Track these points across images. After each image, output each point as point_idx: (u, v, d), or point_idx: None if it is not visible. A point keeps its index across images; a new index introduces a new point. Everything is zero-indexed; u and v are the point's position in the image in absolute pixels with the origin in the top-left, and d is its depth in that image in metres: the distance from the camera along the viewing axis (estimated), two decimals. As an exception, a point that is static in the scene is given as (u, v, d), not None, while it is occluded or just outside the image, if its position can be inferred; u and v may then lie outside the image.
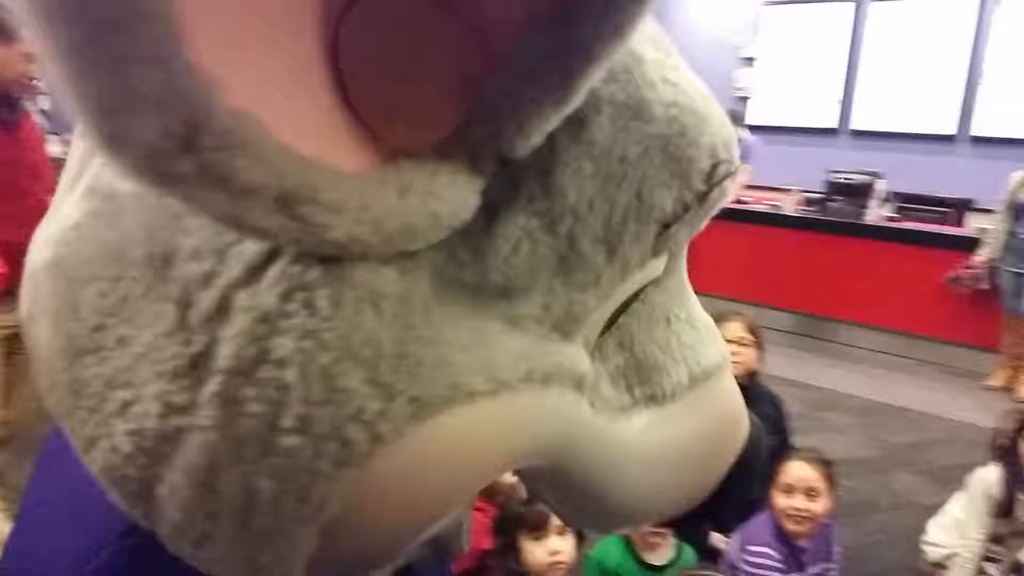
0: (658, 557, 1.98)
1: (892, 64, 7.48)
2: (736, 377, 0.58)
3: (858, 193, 6.05)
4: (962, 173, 7.07)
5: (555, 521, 1.70)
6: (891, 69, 7.48)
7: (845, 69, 7.70)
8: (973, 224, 6.00)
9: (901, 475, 3.68)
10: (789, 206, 6.34)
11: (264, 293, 0.33)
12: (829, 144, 7.78)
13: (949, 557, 2.55)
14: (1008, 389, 4.93)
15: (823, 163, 6.92)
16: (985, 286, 5.11)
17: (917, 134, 7.42)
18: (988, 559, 2.53)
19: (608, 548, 1.99)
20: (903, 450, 4.03)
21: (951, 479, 3.36)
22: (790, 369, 4.78)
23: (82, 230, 0.40)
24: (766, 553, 2.02)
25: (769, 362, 4.17)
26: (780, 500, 2.07)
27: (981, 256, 5.05)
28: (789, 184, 6.87)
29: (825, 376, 4.99)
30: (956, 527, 2.60)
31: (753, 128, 7.09)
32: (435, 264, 0.36)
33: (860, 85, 7.67)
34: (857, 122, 7.74)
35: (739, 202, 6.22)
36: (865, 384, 4.93)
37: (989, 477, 2.49)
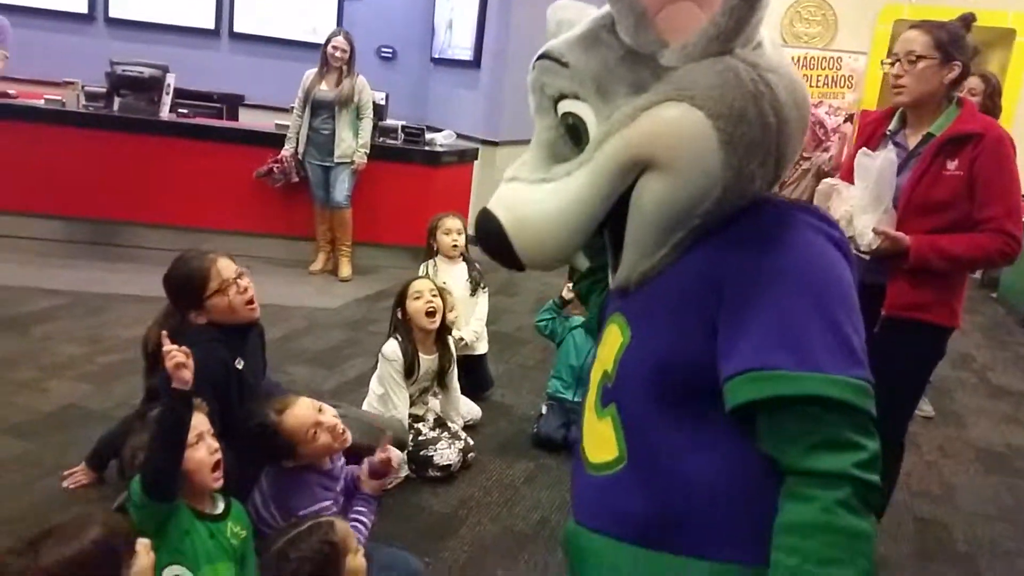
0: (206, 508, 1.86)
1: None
2: None
3: (147, 87, 5.53)
4: (221, 68, 7.36)
5: None
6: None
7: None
8: (245, 120, 6.48)
9: (296, 368, 3.73)
10: (73, 101, 5.51)
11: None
12: (81, 32, 7.27)
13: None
14: (329, 271, 5.60)
15: (73, 52, 6.71)
16: (295, 179, 5.48)
17: (178, 27, 7.38)
18: (415, 419, 2.96)
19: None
20: (280, 344, 4.02)
21: (333, 361, 3.88)
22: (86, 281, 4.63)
23: None
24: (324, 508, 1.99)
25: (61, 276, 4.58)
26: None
27: (287, 151, 5.42)
28: (41, 75, 6.31)
29: (127, 283, 4.60)
30: (381, 402, 2.91)
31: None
32: None
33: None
34: (115, 10, 7.29)
35: (4, 96, 5.53)
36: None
37: (391, 349, 2.85)
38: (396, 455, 2.25)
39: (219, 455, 1.83)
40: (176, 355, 1.69)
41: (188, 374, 1.70)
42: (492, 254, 1.01)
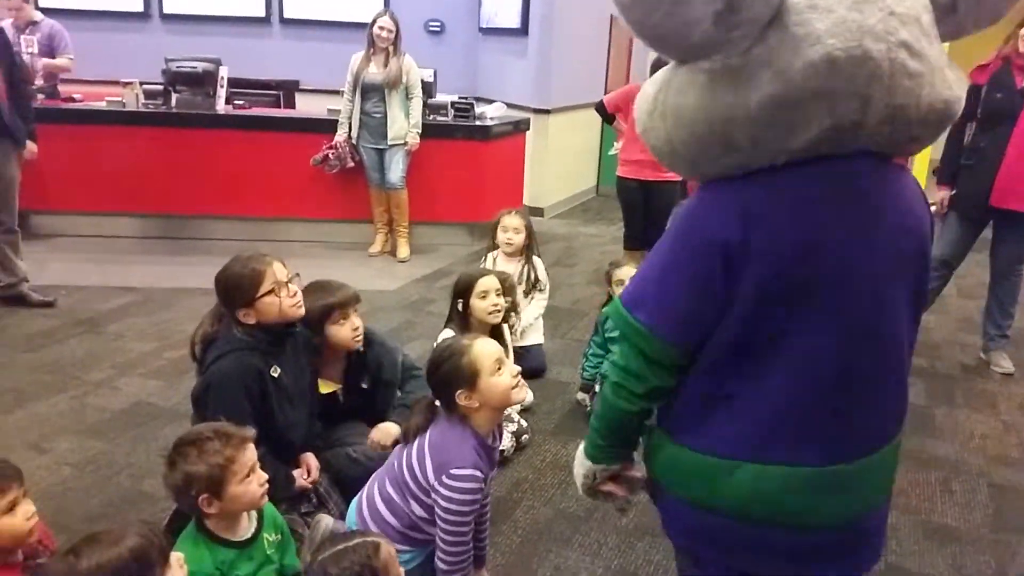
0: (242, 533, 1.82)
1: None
2: None
3: (202, 81, 5.63)
4: (275, 55, 7.29)
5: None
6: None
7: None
8: (302, 105, 6.50)
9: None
10: (132, 101, 5.63)
11: None
12: (137, 30, 7.37)
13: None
14: (389, 252, 5.59)
15: (130, 51, 6.78)
16: (350, 164, 5.43)
17: (229, 17, 7.34)
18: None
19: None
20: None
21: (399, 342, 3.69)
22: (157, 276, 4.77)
23: None
24: (473, 476, 1.88)
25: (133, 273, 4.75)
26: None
27: (340, 136, 5.36)
28: (100, 76, 6.35)
29: (194, 276, 4.59)
30: None
31: (48, 12, 6.07)
32: None
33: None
34: (169, 6, 7.39)
35: (69, 100, 5.71)
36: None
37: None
38: None
39: (267, 485, 1.82)
40: None
41: None
42: None
